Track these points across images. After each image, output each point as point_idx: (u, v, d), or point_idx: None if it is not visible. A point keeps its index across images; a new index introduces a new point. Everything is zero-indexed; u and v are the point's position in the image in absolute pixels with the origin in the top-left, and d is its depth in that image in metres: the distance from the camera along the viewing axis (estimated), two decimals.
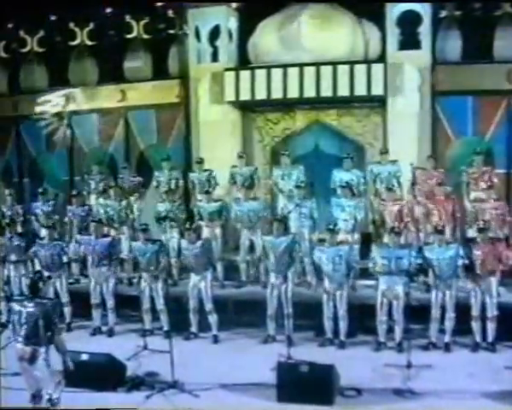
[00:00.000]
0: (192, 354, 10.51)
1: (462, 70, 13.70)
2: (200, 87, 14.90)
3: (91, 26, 16.01)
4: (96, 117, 16.14)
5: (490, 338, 10.34)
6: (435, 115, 13.88)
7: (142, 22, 15.77)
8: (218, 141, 14.47)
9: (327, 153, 14.76)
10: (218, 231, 12.66)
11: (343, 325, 10.67)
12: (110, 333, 11.70)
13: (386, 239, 11.21)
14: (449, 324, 10.40)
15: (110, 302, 11.65)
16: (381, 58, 13.96)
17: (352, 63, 13.76)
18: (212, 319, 11.23)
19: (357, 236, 11.98)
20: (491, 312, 10.26)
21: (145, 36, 15.81)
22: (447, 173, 12.57)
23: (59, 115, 15.84)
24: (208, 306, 11.19)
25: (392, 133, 13.77)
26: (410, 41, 13.67)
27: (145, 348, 10.63)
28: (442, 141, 13.97)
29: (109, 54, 15.95)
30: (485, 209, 11.64)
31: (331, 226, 10.78)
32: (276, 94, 14.14)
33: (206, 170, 13.49)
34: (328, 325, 10.73)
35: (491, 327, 10.31)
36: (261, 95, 14.23)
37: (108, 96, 15.74)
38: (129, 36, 15.86)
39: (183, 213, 13.00)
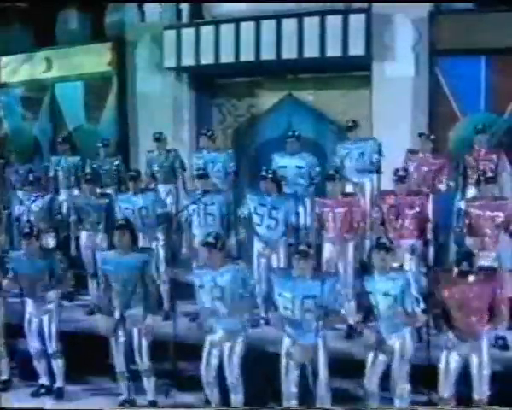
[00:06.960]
0: None
1: (472, 21, 10.44)
2: (137, 51, 12.17)
3: None
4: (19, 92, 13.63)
5: None
6: (435, 83, 10.73)
7: None
8: (163, 121, 11.66)
9: (303, 136, 11.47)
10: (99, 237, 9.29)
11: (235, 399, 6.84)
12: None
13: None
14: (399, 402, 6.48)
15: None
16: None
17: (323, 13, 10.74)
18: (56, 364, 7.76)
19: (282, 249, 8.29)
20: (480, 391, 6.22)
21: None
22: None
23: None
24: (50, 345, 7.69)
25: (378, 107, 10.84)
26: None
27: None
28: (444, 118, 10.71)
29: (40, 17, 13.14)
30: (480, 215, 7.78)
31: (210, 240, 6.66)
32: (227, 57, 11.21)
33: (168, 150, 10.45)
34: (210, 394, 6.94)
35: None
36: (208, 59, 11.31)
37: (31, 66, 13.18)
38: None
39: None
